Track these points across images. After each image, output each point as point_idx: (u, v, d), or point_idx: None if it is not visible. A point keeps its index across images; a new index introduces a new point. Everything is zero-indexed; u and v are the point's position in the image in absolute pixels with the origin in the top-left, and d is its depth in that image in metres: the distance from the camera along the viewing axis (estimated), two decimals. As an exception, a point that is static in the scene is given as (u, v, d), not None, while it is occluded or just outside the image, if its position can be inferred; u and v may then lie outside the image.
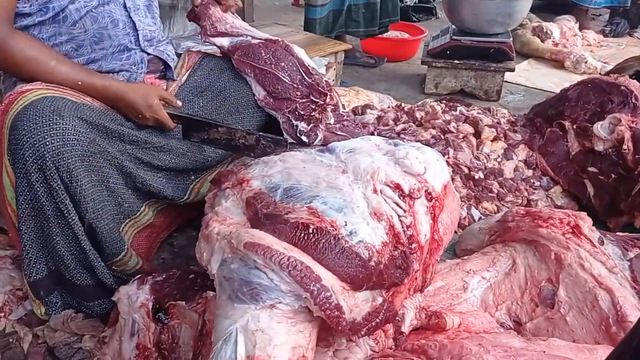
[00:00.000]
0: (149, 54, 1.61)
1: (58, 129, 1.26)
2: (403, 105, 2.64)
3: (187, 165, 1.63)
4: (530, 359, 1.07)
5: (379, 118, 2.44)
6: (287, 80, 1.73)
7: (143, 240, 1.61)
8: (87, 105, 1.40)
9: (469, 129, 2.28)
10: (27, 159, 1.25)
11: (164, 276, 1.33)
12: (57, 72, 1.38)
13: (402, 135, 2.30)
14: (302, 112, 1.74)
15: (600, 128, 2.04)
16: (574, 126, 2.16)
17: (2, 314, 1.46)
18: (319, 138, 1.79)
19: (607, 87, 2.22)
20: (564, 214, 1.51)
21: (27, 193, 1.28)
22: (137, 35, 1.55)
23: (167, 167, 1.57)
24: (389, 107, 2.59)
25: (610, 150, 1.99)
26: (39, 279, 1.38)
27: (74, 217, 1.31)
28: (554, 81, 3.53)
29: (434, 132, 2.28)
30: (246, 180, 1.28)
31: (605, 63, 3.73)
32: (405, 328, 1.30)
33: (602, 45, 4.43)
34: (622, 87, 2.18)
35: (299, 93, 1.73)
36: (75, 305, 1.44)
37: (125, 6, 1.52)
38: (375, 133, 2.34)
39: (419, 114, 2.46)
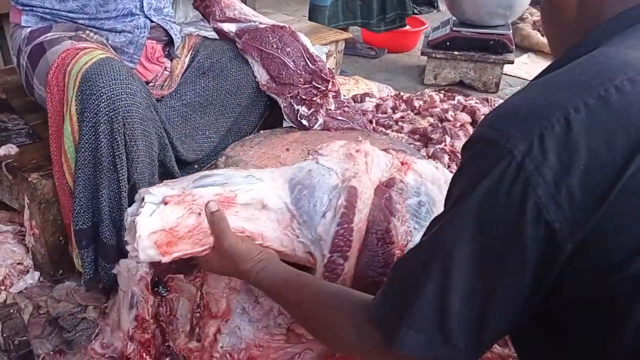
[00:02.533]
0: (152, 21, 1.64)
1: (132, 88, 1.34)
2: (402, 94, 2.66)
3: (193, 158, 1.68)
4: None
5: (377, 106, 2.47)
6: (291, 66, 1.75)
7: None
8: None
9: (466, 118, 2.31)
10: (101, 109, 1.30)
11: (163, 250, 1.35)
12: None
13: (400, 123, 2.33)
14: (303, 97, 1.77)
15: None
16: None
17: (3, 287, 1.49)
18: (319, 122, 1.81)
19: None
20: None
21: (92, 141, 1.33)
22: (142, 1, 1.60)
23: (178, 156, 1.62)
24: (387, 95, 2.61)
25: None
26: (84, 229, 1.40)
27: (124, 174, 1.36)
28: (553, 75, 3.54)
29: (431, 120, 2.30)
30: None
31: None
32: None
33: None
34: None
35: (301, 79, 1.76)
36: (96, 265, 1.46)
37: None
38: (374, 121, 2.37)
39: (417, 103, 2.48)
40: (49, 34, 1.52)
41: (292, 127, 1.85)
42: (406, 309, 0.68)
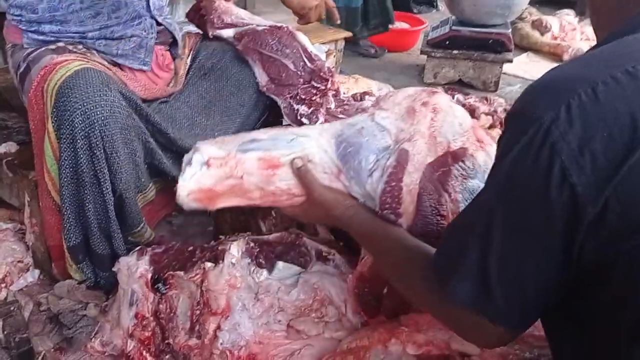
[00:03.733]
0: (158, 22, 1.65)
1: (107, 99, 1.31)
2: (401, 92, 2.66)
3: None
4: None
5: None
6: (291, 67, 1.75)
7: (144, 216, 1.63)
8: (121, 81, 1.46)
9: (466, 116, 2.31)
10: (77, 125, 1.28)
11: (163, 248, 1.35)
12: None
13: (400, 121, 2.33)
14: (303, 97, 1.77)
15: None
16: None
17: (3, 285, 1.49)
18: (320, 121, 1.81)
19: (603, 76, 2.24)
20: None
21: (72, 158, 1.31)
22: (148, 1, 1.60)
23: (175, 149, 1.60)
24: (390, 91, 2.61)
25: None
26: (77, 245, 1.40)
27: (108, 187, 1.35)
28: (552, 74, 3.55)
29: (431, 118, 2.30)
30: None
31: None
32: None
33: (601, 40, 4.45)
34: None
35: (301, 80, 1.76)
36: (96, 275, 1.47)
37: None
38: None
39: (417, 101, 2.48)
40: (34, 52, 1.49)
41: (289, 124, 1.86)
42: (455, 263, 0.75)
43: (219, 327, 1.20)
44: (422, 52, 3.30)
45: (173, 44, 1.74)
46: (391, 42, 3.87)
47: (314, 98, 1.77)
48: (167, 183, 1.69)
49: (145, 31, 1.61)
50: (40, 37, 1.51)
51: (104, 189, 1.34)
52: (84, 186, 1.34)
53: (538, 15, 4.34)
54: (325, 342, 1.21)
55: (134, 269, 1.31)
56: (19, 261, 1.55)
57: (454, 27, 3.18)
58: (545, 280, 0.69)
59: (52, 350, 1.34)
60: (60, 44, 1.50)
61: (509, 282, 0.70)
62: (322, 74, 1.76)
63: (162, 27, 1.67)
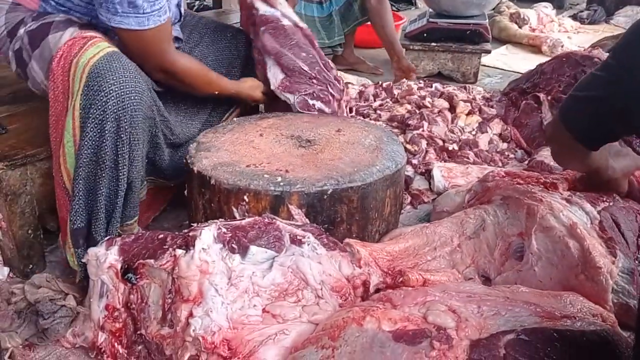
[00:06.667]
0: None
1: (140, 87, 1.32)
2: (381, 82, 2.65)
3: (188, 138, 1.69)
4: (494, 303, 1.07)
5: (360, 93, 2.47)
6: (306, 69, 1.79)
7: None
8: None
9: (444, 103, 2.30)
10: (109, 107, 1.28)
11: (132, 237, 1.31)
12: (215, 84, 1.69)
13: (378, 111, 2.31)
14: (321, 95, 1.79)
15: (572, 98, 2.07)
16: (549, 97, 2.19)
17: (-31, 283, 1.44)
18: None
19: (581, 59, 2.25)
20: (541, 175, 1.53)
21: (96, 139, 1.30)
22: None
23: (173, 142, 1.63)
24: (369, 84, 2.63)
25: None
26: (80, 229, 1.38)
27: (125, 173, 1.35)
28: (531, 65, 3.55)
29: (409, 107, 2.29)
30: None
31: (581, 48, 3.77)
32: (372, 288, 1.30)
33: (579, 31, 4.48)
34: (596, 59, 2.21)
35: (315, 81, 1.78)
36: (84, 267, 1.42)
37: None
38: (354, 109, 2.35)
39: (396, 91, 2.47)
40: (50, 16, 1.47)
41: (265, 114, 1.83)
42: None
43: (191, 314, 1.16)
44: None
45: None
46: (370, 37, 3.85)
47: (330, 100, 1.79)
48: (157, 183, 1.67)
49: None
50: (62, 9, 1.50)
51: (120, 174, 1.35)
52: (103, 169, 1.33)
53: (516, 9, 4.36)
54: (302, 325, 1.18)
55: (102, 259, 1.27)
56: (-15, 258, 1.50)
57: (431, 19, 3.18)
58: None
59: (21, 347, 1.29)
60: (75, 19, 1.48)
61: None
62: (339, 84, 1.83)
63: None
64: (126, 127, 1.31)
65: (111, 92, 1.28)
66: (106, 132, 1.30)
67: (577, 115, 1.22)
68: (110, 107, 1.28)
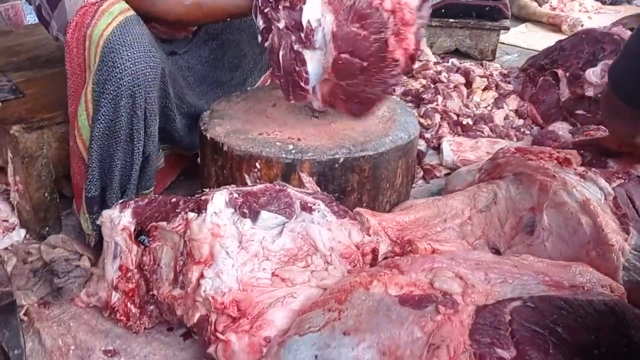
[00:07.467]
0: None
1: (154, 61, 1.31)
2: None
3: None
4: (502, 272, 1.08)
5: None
6: None
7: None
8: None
9: (460, 79, 2.27)
10: (124, 83, 1.28)
11: (146, 200, 1.33)
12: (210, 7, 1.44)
13: (393, 85, 2.29)
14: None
15: (592, 74, 2.04)
16: (567, 74, 2.16)
17: (-13, 243, 1.48)
18: None
19: (600, 36, 2.21)
20: (554, 150, 1.51)
21: (111, 113, 1.31)
22: None
23: (188, 111, 1.61)
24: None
25: (600, 95, 1.98)
26: (94, 197, 1.41)
27: (140, 147, 1.38)
28: (550, 43, 3.49)
29: (424, 82, 2.27)
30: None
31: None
32: (380, 256, 1.31)
33: (599, 12, 4.38)
34: (615, 36, 2.16)
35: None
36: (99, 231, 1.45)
37: None
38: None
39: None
40: None
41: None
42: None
43: (202, 276, 1.18)
44: (418, 22, 3.25)
45: None
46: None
47: None
48: (173, 150, 1.68)
49: None
50: None
51: (135, 148, 1.37)
52: (118, 143, 1.35)
53: (537, -14, 4.28)
54: (311, 290, 1.19)
55: (116, 222, 1.29)
56: (4, 220, 1.54)
57: (449, -5, 3.13)
58: None
59: (36, 304, 1.32)
60: None
61: None
62: None
63: None
64: (141, 102, 1.32)
65: (125, 68, 1.27)
66: (121, 107, 1.30)
67: (624, 76, 1.25)
68: (125, 83, 1.28)
